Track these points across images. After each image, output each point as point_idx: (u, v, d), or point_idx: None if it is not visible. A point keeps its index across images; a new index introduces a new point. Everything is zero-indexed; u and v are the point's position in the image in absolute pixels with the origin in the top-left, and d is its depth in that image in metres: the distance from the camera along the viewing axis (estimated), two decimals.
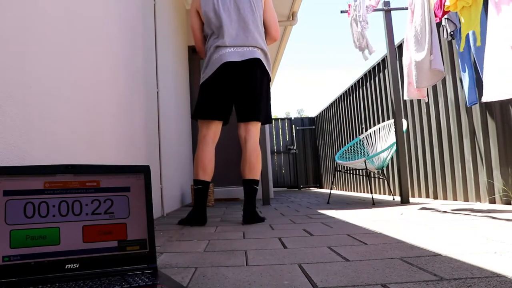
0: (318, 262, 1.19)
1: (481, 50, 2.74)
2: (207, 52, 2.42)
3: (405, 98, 3.38)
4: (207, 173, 2.34)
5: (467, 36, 2.82)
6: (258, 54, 2.37)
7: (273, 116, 24.05)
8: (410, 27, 3.14)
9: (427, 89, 3.22)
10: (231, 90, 2.36)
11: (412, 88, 3.27)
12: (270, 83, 2.91)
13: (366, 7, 3.45)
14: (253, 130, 2.39)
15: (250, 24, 2.38)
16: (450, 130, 3.61)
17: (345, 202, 3.93)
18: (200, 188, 2.32)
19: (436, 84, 3.76)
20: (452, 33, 3.15)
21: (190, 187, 4.25)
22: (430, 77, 2.98)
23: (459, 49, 2.96)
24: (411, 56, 3.12)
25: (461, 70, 3.12)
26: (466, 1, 2.52)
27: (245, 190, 2.37)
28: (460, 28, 3.03)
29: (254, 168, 2.36)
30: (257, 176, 2.39)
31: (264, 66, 2.41)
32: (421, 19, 2.99)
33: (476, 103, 3.06)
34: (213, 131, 2.40)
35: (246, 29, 2.37)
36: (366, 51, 3.64)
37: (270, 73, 2.46)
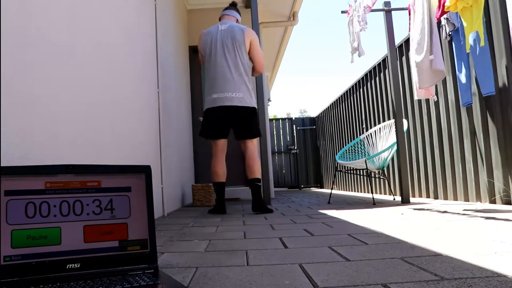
0: (319, 262, 1.19)
1: (484, 50, 2.74)
2: (205, 77, 3.19)
3: (415, 98, 3.39)
4: (220, 177, 3.12)
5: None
6: (235, 100, 3.04)
7: (273, 116, 24.63)
8: (413, 28, 3.14)
9: (436, 87, 3.21)
10: (228, 120, 3.10)
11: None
12: (270, 85, 3.51)
13: (364, 7, 3.45)
14: (249, 144, 3.15)
15: (233, 71, 3.06)
16: (451, 130, 3.61)
17: (346, 202, 3.93)
18: (216, 188, 3.14)
19: (436, 84, 3.75)
20: (450, 33, 3.15)
21: (191, 187, 4.26)
22: (431, 77, 2.97)
23: (465, 50, 2.96)
24: (412, 57, 3.12)
25: (457, 70, 3.12)
26: (466, 1, 2.52)
27: (250, 187, 3.09)
28: (459, 28, 3.03)
29: (253, 170, 3.10)
30: (258, 175, 3.10)
31: (244, 106, 3.05)
32: (421, 19, 2.99)
33: (471, 104, 3.06)
34: (221, 145, 3.16)
35: (227, 76, 3.05)
36: (356, 54, 3.66)
37: (253, 101, 3.14)
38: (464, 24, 2.64)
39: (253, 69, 3.26)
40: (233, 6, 3.42)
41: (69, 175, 1.01)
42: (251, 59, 3.20)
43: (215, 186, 3.15)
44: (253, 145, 3.15)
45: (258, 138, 3.13)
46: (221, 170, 3.12)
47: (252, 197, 3.09)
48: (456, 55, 3.10)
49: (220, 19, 3.34)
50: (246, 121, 3.09)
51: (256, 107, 3.20)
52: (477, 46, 2.76)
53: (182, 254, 1.43)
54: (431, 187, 4.02)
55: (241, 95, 3.06)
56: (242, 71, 3.11)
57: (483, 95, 2.79)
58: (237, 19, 3.36)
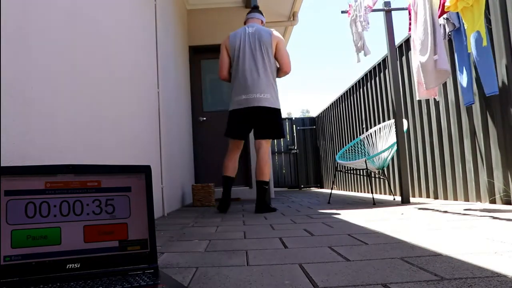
0: (319, 262, 1.19)
1: (486, 50, 2.74)
2: (232, 78, 3.30)
3: (417, 98, 3.39)
4: (229, 171, 3.26)
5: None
6: (263, 101, 3.15)
7: None
8: (415, 28, 3.14)
9: (439, 87, 3.24)
10: (251, 120, 3.22)
11: (422, 88, 3.29)
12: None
13: (365, 7, 3.45)
14: (264, 144, 3.25)
15: (261, 72, 3.17)
16: (451, 130, 3.61)
17: (346, 202, 3.93)
18: (223, 182, 3.26)
19: None
20: (450, 33, 3.15)
21: (191, 187, 4.26)
22: (437, 77, 2.97)
23: (466, 50, 2.96)
24: (416, 58, 3.12)
25: (458, 70, 3.11)
26: (467, 1, 2.51)
27: (256, 189, 3.20)
28: (459, 28, 3.02)
29: (262, 172, 3.19)
30: (266, 178, 3.21)
31: (270, 107, 3.16)
32: (424, 19, 2.99)
33: (473, 103, 3.06)
34: (239, 144, 3.33)
35: (256, 78, 3.16)
36: (362, 53, 3.66)
37: (278, 103, 3.24)
38: (465, 24, 2.64)
39: (280, 70, 3.37)
40: (256, 8, 3.53)
41: (69, 175, 1.01)
42: (277, 60, 3.32)
43: (223, 180, 3.28)
44: (267, 146, 3.27)
45: (271, 140, 3.30)
46: (232, 165, 3.27)
47: (256, 199, 3.19)
48: (456, 55, 3.10)
49: (245, 23, 3.47)
50: (269, 121, 3.20)
51: (280, 109, 3.30)
52: (479, 46, 2.76)
53: (182, 254, 1.43)
54: (431, 187, 4.02)
55: (268, 96, 3.19)
56: (269, 73, 3.23)
57: (487, 95, 2.79)
58: (261, 21, 3.47)
